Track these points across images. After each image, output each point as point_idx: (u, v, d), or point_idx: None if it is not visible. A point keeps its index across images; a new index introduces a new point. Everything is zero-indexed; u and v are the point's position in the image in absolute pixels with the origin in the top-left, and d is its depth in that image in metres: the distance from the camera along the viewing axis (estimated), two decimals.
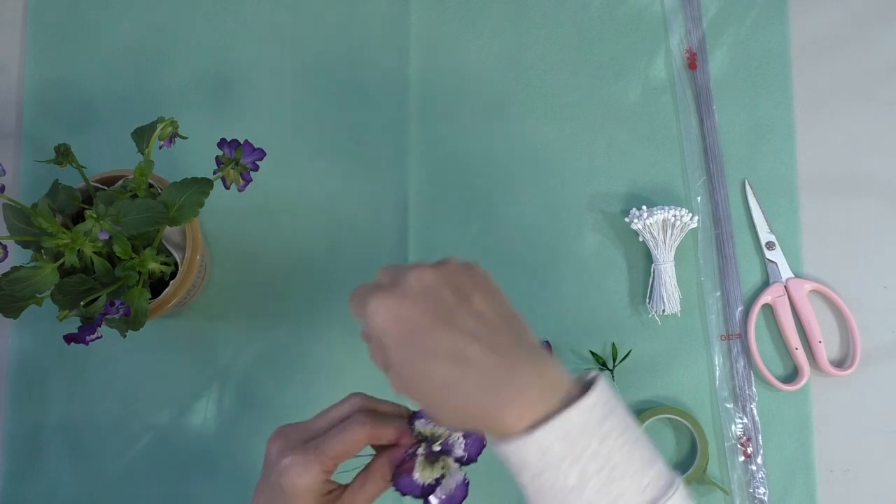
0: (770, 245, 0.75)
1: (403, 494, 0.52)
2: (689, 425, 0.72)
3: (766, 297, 0.74)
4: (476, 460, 0.54)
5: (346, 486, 0.52)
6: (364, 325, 0.46)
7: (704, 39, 0.79)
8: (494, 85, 0.79)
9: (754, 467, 0.72)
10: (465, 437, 0.54)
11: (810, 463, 0.72)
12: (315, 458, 0.49)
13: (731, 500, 0.72)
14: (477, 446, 0.54)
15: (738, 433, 0.72)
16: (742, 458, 0.72)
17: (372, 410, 0.53)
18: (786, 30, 0.79)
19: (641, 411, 0.73)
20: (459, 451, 0.54)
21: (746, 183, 0.76)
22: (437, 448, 0.53)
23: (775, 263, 0.75)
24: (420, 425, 0.54)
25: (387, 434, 0.52)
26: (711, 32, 0.79)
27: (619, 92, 0.79)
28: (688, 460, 0.73)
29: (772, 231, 0.75)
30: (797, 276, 0.74)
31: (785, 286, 0.74)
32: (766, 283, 0.75)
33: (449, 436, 0.53)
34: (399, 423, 0.53)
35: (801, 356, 0.73)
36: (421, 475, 0.52)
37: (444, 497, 0.53)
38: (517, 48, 0.80)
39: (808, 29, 0.79)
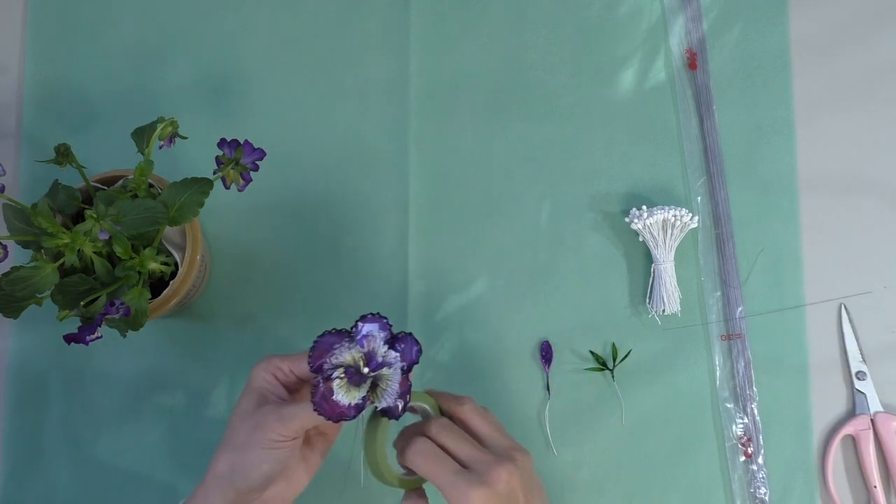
0: (861, 375, 0.72)
1: (335, 420, 0.52)
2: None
3: (849, 428, 0.72)
4: (418, 362, 0.54)
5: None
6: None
7: (704, 39, 0.79)
8: (494, 85, 0.79)
9: (755, 467, 0.72)
10: (396, 345, 0.54)
11: (811, 463, 0.72)
12: (272, 358, 0.57)
13: (732, 500, 0.72)
14: (412, 349, 0.54)
15: (739, 433, 0.72)
16: (743, 458, 0.72)
17: None
18: (786, 30, 0.79)
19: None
20: (398, 364, 0.54)
21: (843, 307, 0.74)
22: (365, 370, 0.53)
23: (864, 395, 0.72)
24: (335, 358, 0.53)
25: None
26: (711, 32, 0.79)
27: (619, 92, 0.79)
28: None
29: (864, 360, 0.73)
30: (886, 410, 0.72)
31: (872, 420, 0.72)
32: (851, 413, 0.73)
33: (373, 355, 0.53)
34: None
35: (878, 495, 0.70)
36: (345, 396, 0.52)
37: (391, 401, 0.53)
38: (517, 48, 0.80)
39: (808, 29, 0.79)
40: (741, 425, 0.72)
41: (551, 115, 0.78)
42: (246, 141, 0.63)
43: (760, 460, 0.72)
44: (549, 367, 0.74)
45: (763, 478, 0.71)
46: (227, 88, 0.79)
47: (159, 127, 0.63)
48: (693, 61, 0.79)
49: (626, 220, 0.74)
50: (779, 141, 0.77)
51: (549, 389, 0.74)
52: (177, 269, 0.65)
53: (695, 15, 0.79)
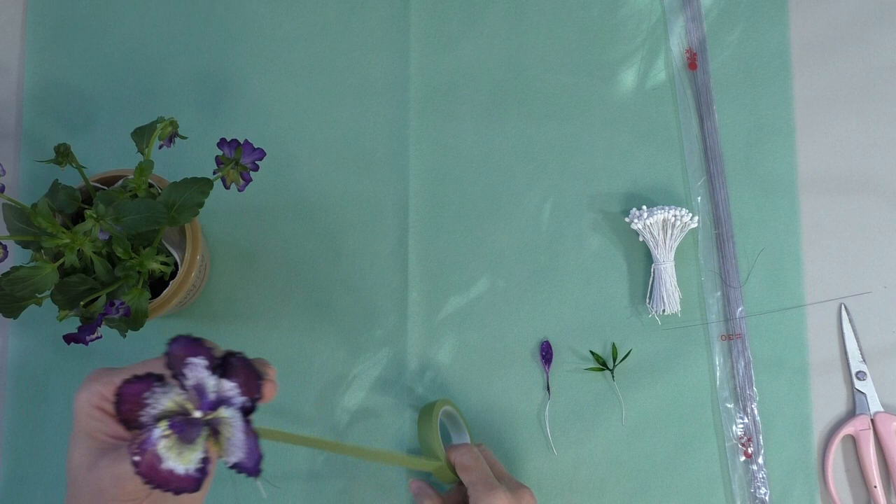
0: (861, 375, 0.72)
1: (174, 493, 0.39)
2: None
3: (849, 428, 0.72)
4: (261, 396, 0.41)
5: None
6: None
7: (704, 39, 0.79)
8: (494, 85, 0.79)
9: (755, 467, 0.72)
10: (227, 374, 0.41)
11: (811, 463, 0.72)
12: (92, 384, 0.45)
13: (732, 501, 0.72)
14: (254, 380, 0.41)
15: (739, 433, 0.72)
16: (743, 458, 0.72)
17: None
18: (786, 30, 0.79)
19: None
20: (238, 397, 0.40)
21: (843, 307, 0.74)
22: (198, 414, 0.40)
23: (864, 395, 0.72)
24: (151, 408, 0.40)
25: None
26: (711, 32, 0.79)
27: (619, 92, 0.79)
28: None
29: (864, 361, 0.73)
30: (886, 410, 0.72)
31: (872, 420, 0.72)
32: (851, 413, 0.73)
33: (202, 390, 0.40)
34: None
35: (878, 495, 0.70)
36: (179, 460, 0.39)
37: (243, 457, 0.40)
38: (517, 48, 0.80)
39: (808, 29, 0.79)
40: (741, 425, 0.72)
41: (551, 115, 0.79)
42: (246, 141, 0.63)
43: (760, 460, 0.72)
44: (549, 367, 0.74)
45: (763, 478, 0.71)
46: (227, 88, 0.79)
47: (159, 127, 0.63)
48: (693, 61, 0.79)
49: (626, 220, 0.74)
50: (779, 141, 0.77)
51: (549, 389, 0.74)
52: (177, 269, 0.66)
53: (695, 15, 0.80)
